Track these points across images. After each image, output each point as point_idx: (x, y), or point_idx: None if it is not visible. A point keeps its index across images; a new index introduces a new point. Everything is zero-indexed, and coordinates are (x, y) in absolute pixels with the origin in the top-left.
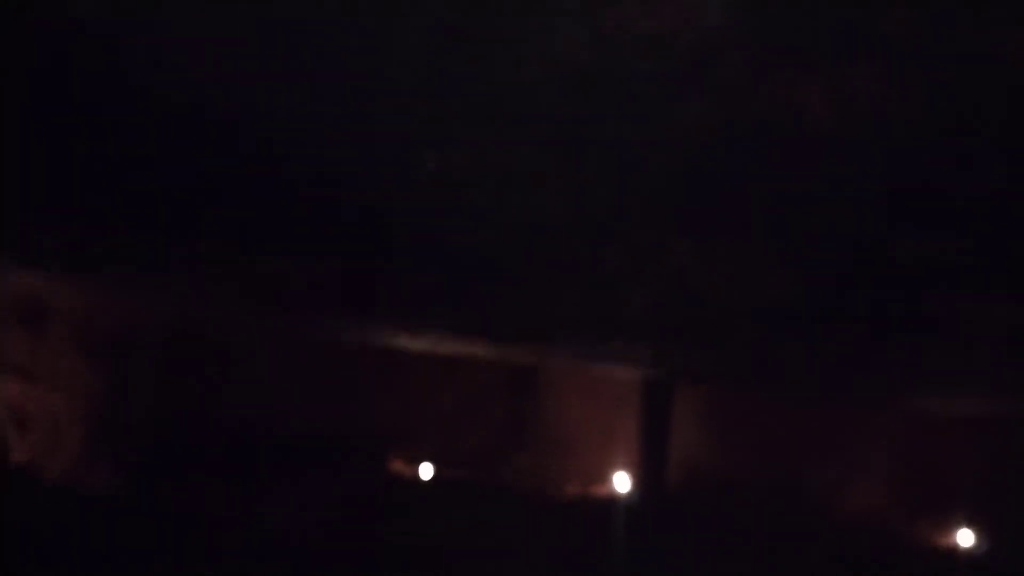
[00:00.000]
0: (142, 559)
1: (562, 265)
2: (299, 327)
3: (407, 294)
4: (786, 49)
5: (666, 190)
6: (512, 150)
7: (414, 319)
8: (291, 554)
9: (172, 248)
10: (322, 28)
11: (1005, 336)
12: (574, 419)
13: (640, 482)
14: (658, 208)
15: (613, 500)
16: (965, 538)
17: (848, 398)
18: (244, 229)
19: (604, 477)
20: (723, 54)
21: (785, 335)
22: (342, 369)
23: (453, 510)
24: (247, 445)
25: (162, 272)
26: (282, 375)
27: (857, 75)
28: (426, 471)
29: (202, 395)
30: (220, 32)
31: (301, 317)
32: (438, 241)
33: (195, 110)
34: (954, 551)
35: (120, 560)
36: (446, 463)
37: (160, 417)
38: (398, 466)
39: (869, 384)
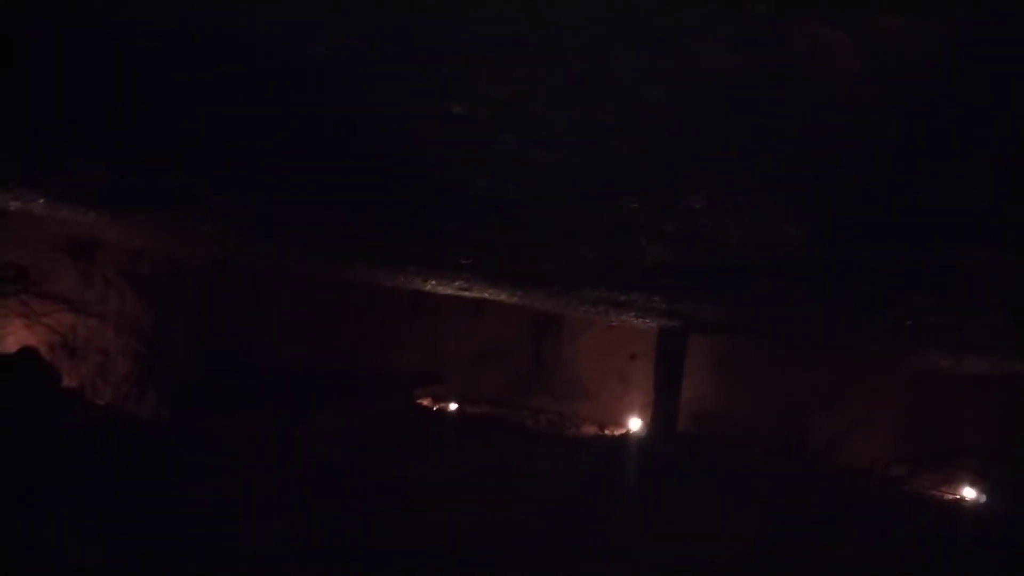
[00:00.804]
0: (183, 482)
1: (583, 214)
2: (335, 269)
3: (436, 240)
4: None
5: (687, 140)
6: (535, 98)
7: (442, 264)
8: (323, 482)
9: (213, 190)
10: None
11: (1010, 294)
12: (592, 364)
13: (652, 426)
14: (678, 158)
15: (627, 441)
16: (969, 492)
17: (856, 353)
18: (283, 174)
19: (619, 419)
20: (747, 0)
21: (797, 288)
22: (373, 310)
23: (476, 446)
24: (281, 377)
25: (204, 213)
26: (318, 313)
27: (883, 22)
28: (451, 408)
29: (239, 330)
30: None
31: (337, 259)
32: (465, 189)
33: (231, 54)
34: (955, 503)
35: (162, 482)
36: (470, 401)
37: (202, 349)
38: (425, 403)
39: (877, 340)
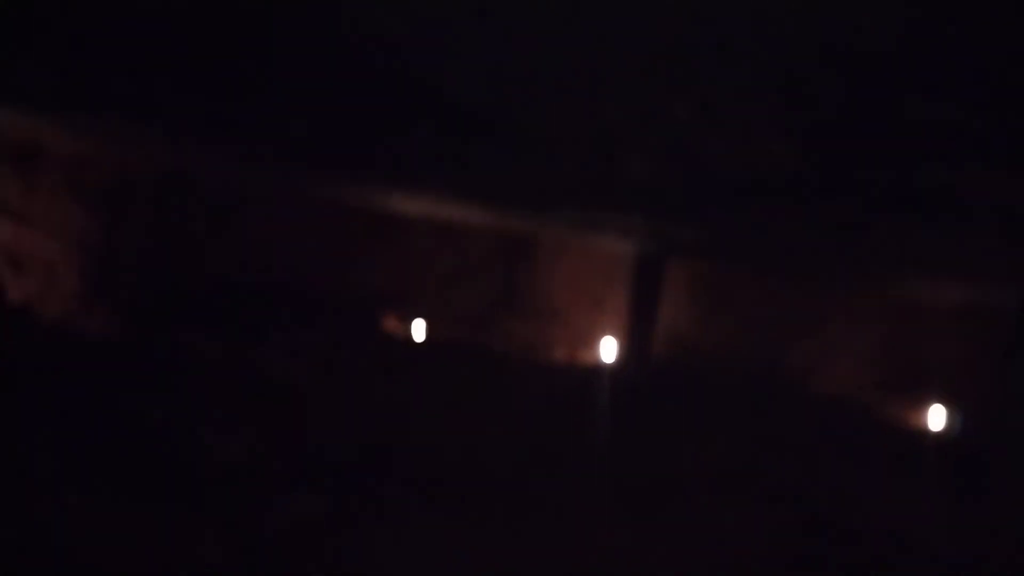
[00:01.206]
0: (134, 401)
1: (561, 125)
2: (295, 183)
3: (404, 152)
4: None
5: (670, 47)
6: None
7: (411, 179)
8: (280, 403)
9: (167, 95)
10: None
11: (1000, 218)
12: (566, 289)
13: (626, 353)
14: (661, 66)
15: (599, 368)
16: (937, 420)
17: (836, 279)
18: (241, 78)
19: (593, 346)
20: None
21: (781, 209)
22: (338, 228)
23: (443, 370)
24: (240, 296)
25: (156, 119)
26: (277, 230)
27: None
28: (418, 332)
29: (195, 245)
30: None
31: (297, 172)
32: (437, 96)
33: None
34: (927, 432)
35: (113, 401)
36: (438, 325)
37: (154, 265)
38: (391, 326)
39: (858, 265)
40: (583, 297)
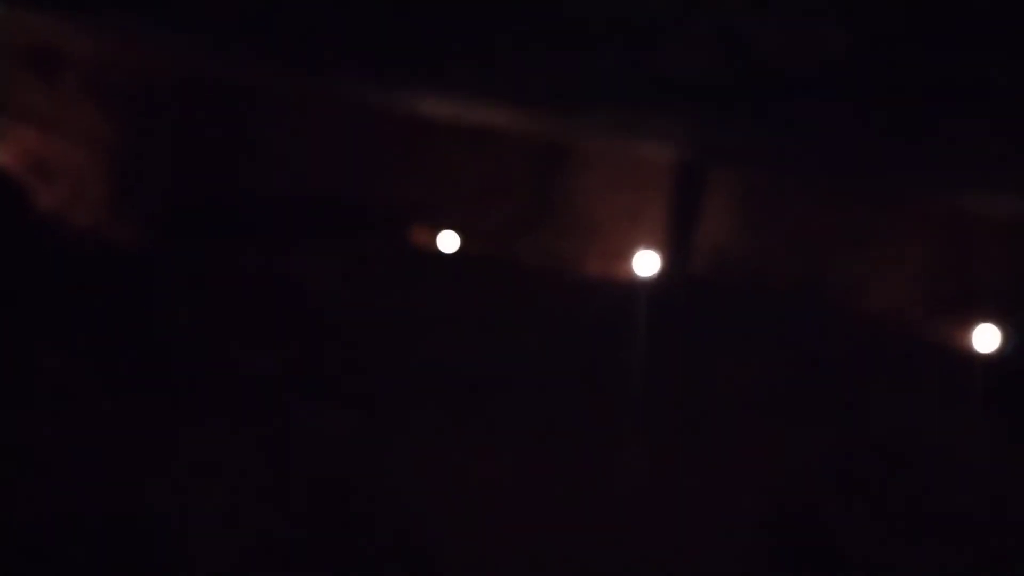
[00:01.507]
0: (165, 312)
1: (598, 12)
2: (322, 85)
3: (434, 48)
4: None
5: None
6: None
7: (441, 78)
8: (310, 316)
9: None
10: None
11: None
12: (601, 200)
13: (664, 268)
14: None
15: (635, 283)
16: (987, 340)
17: (886, 189)
18: None
19: (629, 261)
20: None
21: (833, 106)
22: (367, 136)
23: (475, 284)
24: (268, 205)
25: (178, 18)
26: (307, 139)
27: None
28: (448, 243)
29: (221, 152)
30: None
31: (324, 74)
32: None
33: None
34: (977, 353)
35: (143, 312)
36: (469, 238)
37: (181, 172)
38: (419, 236)
39: (911, 172)
40: (619, 210)
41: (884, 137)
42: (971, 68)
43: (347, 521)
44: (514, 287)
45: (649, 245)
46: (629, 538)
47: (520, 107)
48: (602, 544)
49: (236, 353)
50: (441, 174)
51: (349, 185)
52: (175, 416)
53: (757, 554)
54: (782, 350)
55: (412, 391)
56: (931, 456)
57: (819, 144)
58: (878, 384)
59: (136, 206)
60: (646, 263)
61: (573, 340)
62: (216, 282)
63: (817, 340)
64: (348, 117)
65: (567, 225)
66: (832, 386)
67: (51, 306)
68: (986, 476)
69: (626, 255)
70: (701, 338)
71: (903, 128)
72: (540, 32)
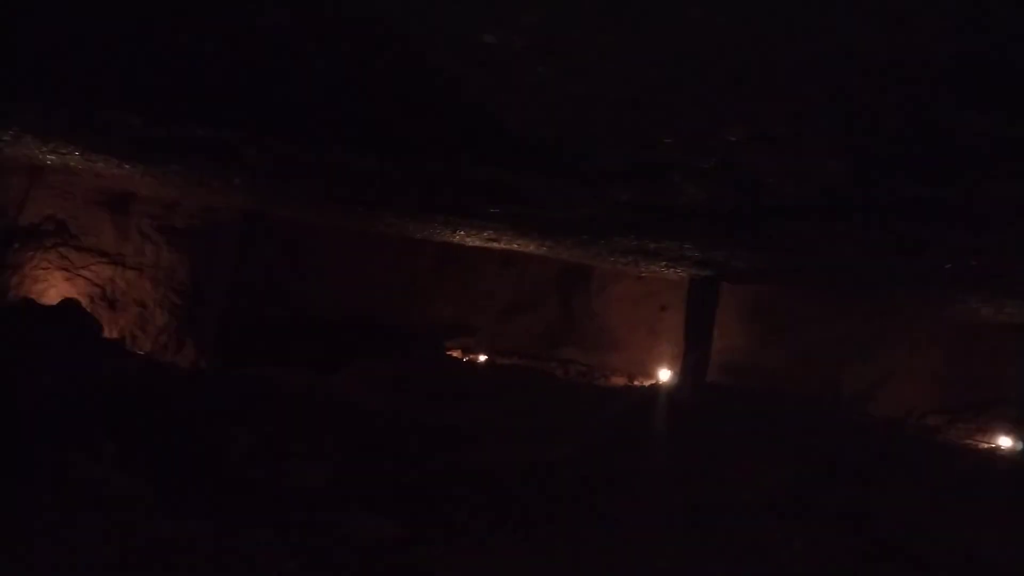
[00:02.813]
0: (223, 427)
1: (615, 151)
2: (364, 221)
3: (466, 187)
4: None
5: (725, 66)
6: (566, 26)
7: (472, 214)
8: (360, 428)
9: (244, 139)
10: None
11: None
12: (621, 315)
13: (682, 376)
14: (714, 87)
15: (656, 391)
16: (1004, 441)
17: (893, 301)
18: (313, 120)
19: (649, 371)
20: None
21: (835, 230)
22: (405, 262)
23: (507, 395)
24: (316, 330)
25: (235, 163)
26: (349, 266)
27: None
28: (482, 358)
29: (274, 282)
30: None
31: (366, 210)
32: (497, 128)
33: None
34: (994, 454)
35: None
36: (500, 353)
37: (236, 301)
38: (456, 353)
39: (916, 286)
40: (638, 324)
41: (885, 254)
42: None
43: None
44: (543, 396)
45: (667, 356)
46: None
47: (543, 236)
48: None
49: (285, 467)
50: (472, 295)
51: (386, 308)
52: (225, 526)
53: None
54: (799, 454)
55: (452, 497)
56: (951, 557)
57: (823, 261)
58: (895, 486)
59: (196, 331)
60: (665, 373)
61: (599, 445)
62: (268, 400)
63: (833, 444)
64: (387, 249)
65: (590, 338)
66: (849, 489)
67: (115, 425)
68: None
69: (646, 365)
70: (719, 443)
71: (903, 246)
72: (560, 172)
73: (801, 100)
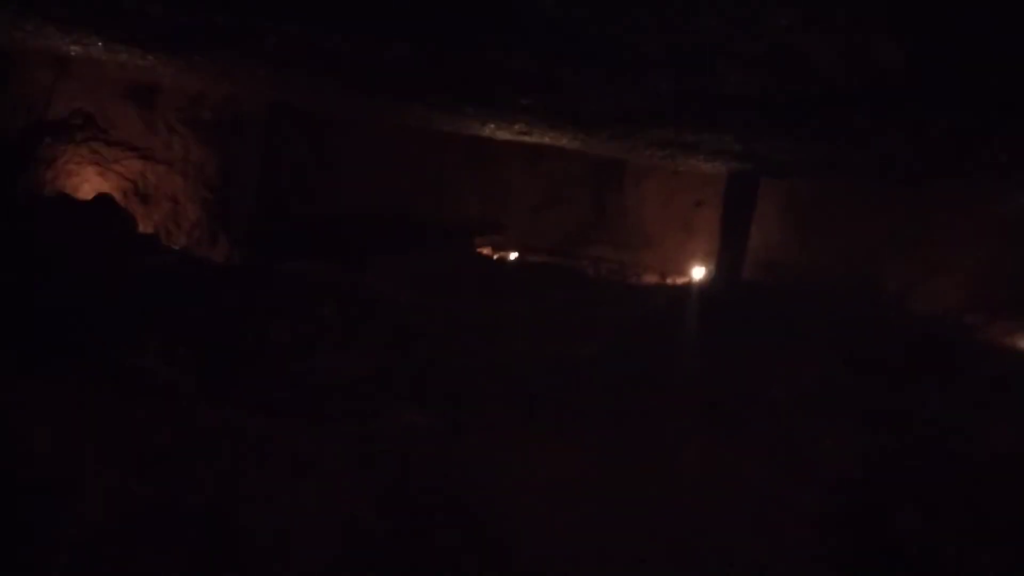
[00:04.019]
0: (258, 320)
1: (656, 35)
2: (392, 112)
3: (496, 76)
4: None
5: None
6: None
7: (502, 105)
8: (390, 322)
9: (267, 24)
10: None
11: None
12: (654, 211)
13: (717, 274)
14: None
15: (690, 288)
16: None
17: (938, 194)
18: (339, 10)
19: (682, 269)
20: None
21: (887, 121)
22: (433, 157)
23: (537, 292)
24: (344, 225)
25: (259, 51)
26: (378, 161)
27: None
28: (512, 255)
29: (302, 178)
30: None
31: (396, 102)
32: (530, 11)
33: None
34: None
35: (239, 320)
36: (530, 250)
37: (266, 196)
38: (486, 250)
39: (965, 179)
40: (672, 220)
41: (935, 146)
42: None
43: (429, 513)
44: (573, 294)
45: (702, 253)
46: (690, 532)
47: (579, 127)
48: (664, 537)
49: (321, 359)
50: (502, 190)
51: (415, 203)
52: (266, 417)
53: (817, 551)
54: (834, 352)
55: (485, 391)
56: (985, 456)
57: (870, 154)
58: (932, 385)
59: (226, 226)
60: (699, 271)
61: (633, 343)
62: (300, 295)
63: (869, 342)
64: (415, 143)
65: (622, 235)
66: (885, 387)
67: (152, 317)
68: None
69: (680, 263)
70: (753, 341)
71: (954, 138)
72: (596, 59)
73: None
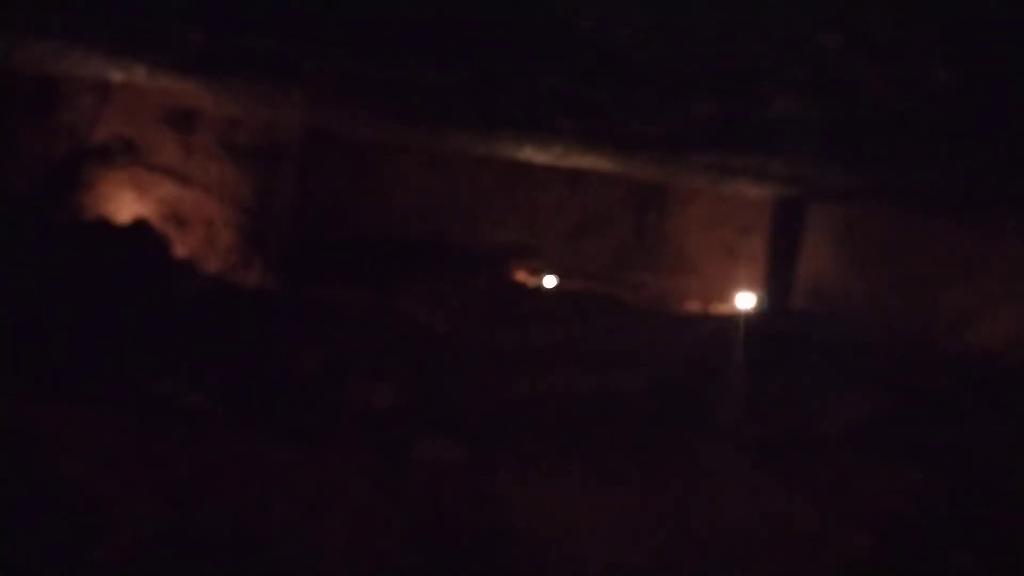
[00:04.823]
0: (291, 346)
1: (698, 59)
2: (430, 137)
3: (533, 99)
4: None
5: None
6: None
7: (539, 128)
8: (423, 349)
9: (307, 58)
10: None
11: None
12: (698, 237)
13: (764, 303)
14: None
15: (735, 318)
16: None
17: (995, 221)
18: (374, 39)
19: (726, 297)
20: None
21: (941, 145)
22: (469, 182)
23: (574, 319)
24: (379, 250)
25: (296, 77)
26: (412, 186)
27: None
28: (548, 282)
29: (337, 202)
30: None
31: (432, 127)
32: (567, 34)
33: None
34: None
35: (272, 346)
36: (568, 275)
37: (301, 220)
38: (521, 276)
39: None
40: (716, 246)
41: (990, 172)
42: None
43: (462, 550)
44: (612, 321)
45: (748, 282)
46: (735, 566)
47: (618, 151)
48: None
49: (353, 388)
50: (539, 214)
51: (449, 228)
52: (296, 445)
53: None
54: (886, 386)
55: (521, 424)
56: None
57: (921, 180)
58: (986, 422)
59: (262, 250)
60: (745, 300)
61: (676, 376)
62: (334, 321)
63: (924, 376)
64: (451, 168)
65: (663, 262)
66: (940, 424)
67: (184, 343)
68: None
69: (724, 291)
70: (802, 373)
71: (1010, 163)
72: (635, 79)
73: (900, 6)
